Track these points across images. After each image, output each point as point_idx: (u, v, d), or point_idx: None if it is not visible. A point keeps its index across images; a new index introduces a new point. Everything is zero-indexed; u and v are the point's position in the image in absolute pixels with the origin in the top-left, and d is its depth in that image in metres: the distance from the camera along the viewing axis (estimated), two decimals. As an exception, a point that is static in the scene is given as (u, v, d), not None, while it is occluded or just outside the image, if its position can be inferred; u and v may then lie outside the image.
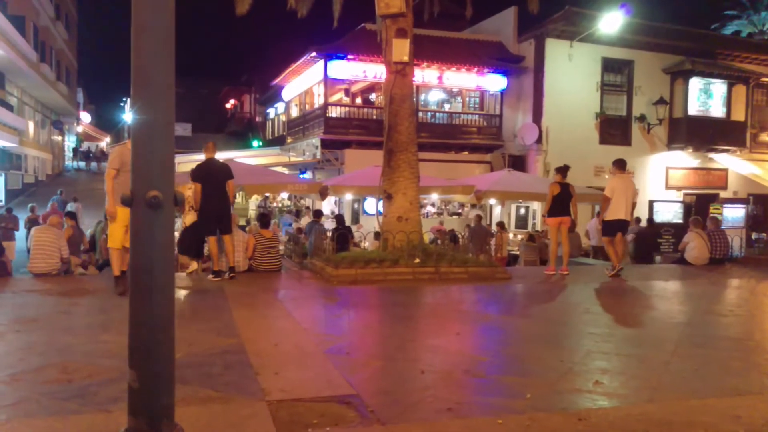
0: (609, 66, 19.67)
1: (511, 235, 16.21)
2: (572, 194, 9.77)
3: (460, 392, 3.82)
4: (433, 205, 19.91)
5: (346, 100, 21.62)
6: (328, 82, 19.32)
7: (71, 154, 45.32)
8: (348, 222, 18.10)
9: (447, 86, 20.59)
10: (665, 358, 4.66)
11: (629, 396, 3.78)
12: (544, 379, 4.07)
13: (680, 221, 18.52)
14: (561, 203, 9.76)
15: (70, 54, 38.24)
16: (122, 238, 6.85)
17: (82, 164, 42.42)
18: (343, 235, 11.75)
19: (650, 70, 19.90)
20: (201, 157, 8.59)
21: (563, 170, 10.03)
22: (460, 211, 19.81)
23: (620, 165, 10.08)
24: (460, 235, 13.54)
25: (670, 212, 19.32)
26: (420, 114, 19.16)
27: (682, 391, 3.91)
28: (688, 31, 20.65)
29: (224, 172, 8.33)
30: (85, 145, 52.20)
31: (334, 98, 21.04)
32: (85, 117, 51.48)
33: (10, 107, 23.07)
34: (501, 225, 14.37)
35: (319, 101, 20.46)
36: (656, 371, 4.29)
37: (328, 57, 18.75)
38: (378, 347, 5.18)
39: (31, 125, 29.06)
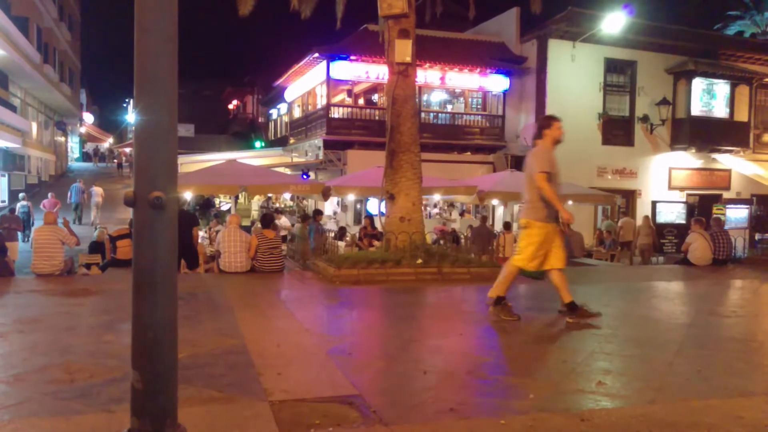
0: (612, 66, 19.64)
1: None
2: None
3: (462, 393, 3.82)
4: (435, 205, 19.91)
5: (349, 100, 21.63)
6: (331, 83, 19.33)
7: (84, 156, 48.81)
8: (351, 223, 18.13)
9: (449, 87, 20.58)
10: (668, 358, 4.65)
11: (632, 397, 3.78)
12: (547, 379, 4.07)
13: (683, 222, 18.46)
14: None
15: (74, 55, 38.30)
16: (563, 255, 5.98)
17: (102, 165, 44.64)
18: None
19: (653, 70, 19.86)
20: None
21: (507, 225, 11.57)
22: (452, 218, 19.78)
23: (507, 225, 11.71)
24: (462, 236, 13.52)
25: (673, 213, 19.25)
26: (422, 115, 19.15)
27: (685, 392, 3.91)
28: (691, 32, 20.60)
29: (188, 220, 9.65)
30: (89, 146, 53.45)
31: (336, 99, 21.04)
32: (88, 118, 51.64)
33: (13, 108, 23.10)
34: (507, 225, 14.29)
35: (321, 102, 20.46)
36: (659, 372, 4.29)
37: (331, 58, 18.75)
38: (380, 348, 5.18)
39: (34, 126, 29.11)
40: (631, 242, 15.95)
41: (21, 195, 20.11)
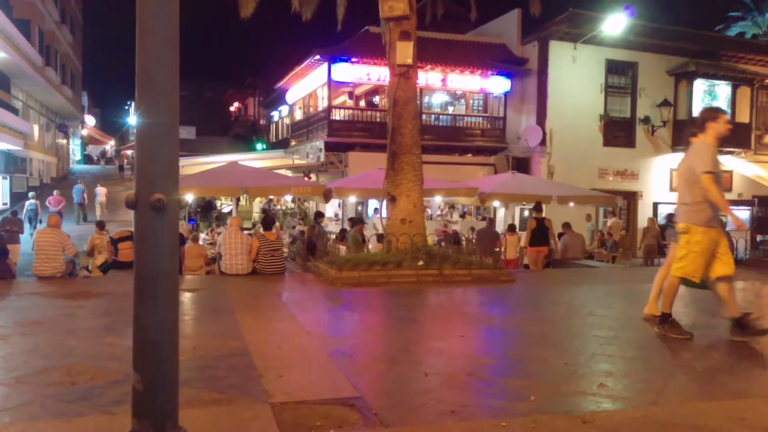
0: (613, 68, 19.65)
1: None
2: (548, 227, 11.68)
3: (463, 395, 3.82)
4: (438, 207, 19.91)
5: (350, 102, 21.65)
6: (332, 85, 19.34)
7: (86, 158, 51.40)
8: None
9: (450, 89, 20.59)
10: (670, 360, 4.64)
11: (634, 399, 3.77)
12: (549, 381, 4.06)
13: (685, 223, 18.42)
14: (538, 235, 11.68)
15: (75, 57, 38.36)
16: (731, 261, 5.40)
17: (110, 167, 45.96)
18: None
19: (654, 71, 19.87)
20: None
21: (538, 207, 12.19)
22: (453, 220, 19.79)
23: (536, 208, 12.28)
24: (463, 238, 13.50)
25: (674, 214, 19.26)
26: (424, 116, 19.16)
27: (687, 393, 3.90)
28: (692, 33, 20.59)
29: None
30: (95, 149, 54.64)
31: (337, 101, 21.05)
32: (90, 120, 51.83)
33: (15, 111, 23.15)
34: (511, 228, 14.25)
35: (322, 104, 20.48)
36: (661, 374, 4.28)
37: (332, 60, 18.77)
38: (381, 350, 5.18)
39: (36, 129, 29.16)
40: (616, 242, 15.95)
41: (30, 194, 21.13)
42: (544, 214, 12.64)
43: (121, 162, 41.99)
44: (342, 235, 14.16)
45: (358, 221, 13.58)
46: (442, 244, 12.18)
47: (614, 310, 7.17)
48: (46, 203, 20.57)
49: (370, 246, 10.55)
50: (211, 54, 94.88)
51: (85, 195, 23.50)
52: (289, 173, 23.24)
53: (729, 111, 20.13)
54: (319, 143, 19.78)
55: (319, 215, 13.82)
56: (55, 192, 21.56)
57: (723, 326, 6.30)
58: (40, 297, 7.33)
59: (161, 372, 2.16)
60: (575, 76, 19.06)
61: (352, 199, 16.78)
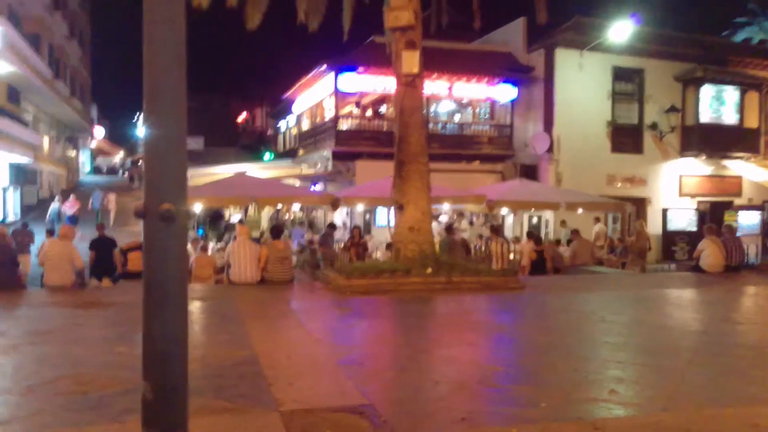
0: (620, 74, 19.60)
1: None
2: (546, 258, 11.87)
3: (473, 402, 3.80)
4: (445, 213, 19.88)
5: (357, 112, 21.70)
6: (339, 95, 19.40)
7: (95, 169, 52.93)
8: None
9: (457, 97, 20.61)
10: (681, 366, 4.61)
11: (645, 405, 3.75)
12: (559, 388, 4.04)
13: (695, 229, 18.34)
14: (538, 265, 11.80)
15: (84, 70, 38.71)
16: None
17: (122, 178, 46.41)
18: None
19: (661, 78, 19.80)
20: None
21: (538, 240, 12.44)
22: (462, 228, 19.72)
23: (495, 230, 12.54)
24: (471, 246, 13.45)
25: (684, 220, 19.16)
26: (430, 125, 19.16)
27: (699, 399, 3.87)
28: (698, 39, 20.55)
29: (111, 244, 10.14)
30: (104, 160, 55.26)
31: (344, 111, 21.11)
32: (99, 132, 52.21)
33: (25, 123, 23.37)
34: (529, 234, 14.05)
35: (330, 114, 20.54)
36: (672, 380, 4.25)
37: (339, 70, 18.85)
38: (391, 357, 5.17)
39: (46, 141, 29.41)
40: (626, 248, 15.86)
41: (56, 197, 22.67)
42: (547, 218, 12.53)
43: (131, 173, 42.35)
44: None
45: (449, 229, 13.08)
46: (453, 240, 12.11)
47: (624, 316, 7.14)
48: (62, 207, 21.64)
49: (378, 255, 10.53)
50: (218, 65, 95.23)
51: (105, 202, 24.44)
52: (297, 182, 23.28)
53: (738, 116, 20.11)
54: (327, 152, 19.83)
55: (332, 226, 13.90)
56: (71, 196, 22.64)
57: (734, 332, 6.26)
58: (50, 307, 7.38)
59: (171, 381, 2.16)
60: (582, 83, 19.03)
61: (360, 207, 16.79)
